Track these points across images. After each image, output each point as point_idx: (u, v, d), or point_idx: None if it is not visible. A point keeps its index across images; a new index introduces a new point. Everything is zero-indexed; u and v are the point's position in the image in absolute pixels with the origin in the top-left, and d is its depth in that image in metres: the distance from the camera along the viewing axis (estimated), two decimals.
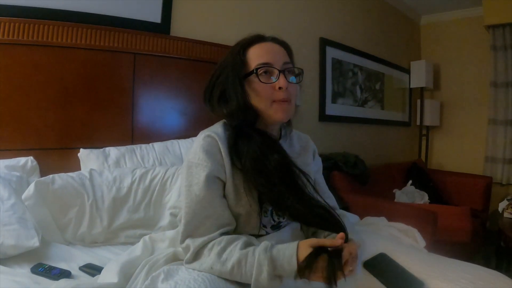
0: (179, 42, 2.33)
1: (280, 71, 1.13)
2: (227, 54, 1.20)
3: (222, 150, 1.10)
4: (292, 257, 0.93)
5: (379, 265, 1.22)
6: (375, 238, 1.44)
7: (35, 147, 1.84)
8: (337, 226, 1.10)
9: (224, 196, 1.12)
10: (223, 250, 1.00)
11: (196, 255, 1.03)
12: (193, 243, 1.04)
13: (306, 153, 1.36)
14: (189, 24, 2.47)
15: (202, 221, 1.05)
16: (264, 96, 1.12)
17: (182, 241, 1.07)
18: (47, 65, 1.86)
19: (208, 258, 1.00)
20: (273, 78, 1.12)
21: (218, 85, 1.18)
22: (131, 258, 1.19)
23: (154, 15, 2.28)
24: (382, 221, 1.78)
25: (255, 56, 1.14)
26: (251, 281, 0.95)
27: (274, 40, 1.21)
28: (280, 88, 1.11)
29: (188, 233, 1.06)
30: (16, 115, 1.79)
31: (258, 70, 1.12)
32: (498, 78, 4.34)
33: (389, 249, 1.31)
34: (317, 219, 1.12)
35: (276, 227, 1.22)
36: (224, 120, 1.22)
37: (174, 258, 1.10)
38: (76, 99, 1.95)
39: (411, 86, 4.86)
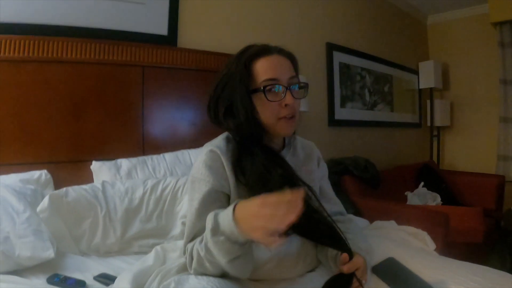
0: (186, 53, 2.36)
1: (286, 88, 1.13)
2: (230, 64, 1.19)
3: (225, 164, 1.11)
4: (231, 207, 0.91)
5: (388, 270, 1.23)
6: (384, 242, 1.45)
7: (48, 161, 1.88)
8: (340, 244, 1.11)
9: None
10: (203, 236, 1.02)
11: (192, 255, 1.05)
12: (190, 245, 1.07)
13: (310, 160, 1.37)
14: (195, 35, 2.50)
15: (201, 230, 1.07)
16: (271, 113, 1.13)
17: (185, 252, 1.11)
18: (58, 81, 1.91)
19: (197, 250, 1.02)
20: (280, 94, 1.12)
21: (224, 97, 1.17)
22: (143, 268, 1.22)
23: (161, 28, 2.31)
24: (391, 224, 1.79)
25: (262, 70, 1.14)
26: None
27: (280, 52, 1.19)
28: (286, 105, 1.13)
29: (189, 242, 1.10)
30: (28, 130, 1.83)
31: (266, 87, 1.12)
32: (508, 75, 4.31)
33: (398, 253, 1.33)
34: (320, 236, 1.13)
35: (284, 235, 1.23)
36: (226, 132, 1.23)
37: (186, 268, 1.12)
38: (87, 113, 1.99)
39: (420, 87, 4.84)
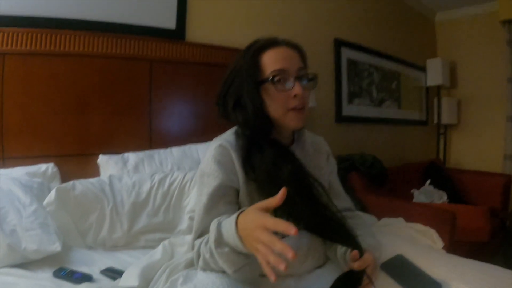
0: (194, 48, 2.36)
1: (295, 78, 1.13)
2: (239, 58, 1.19)
3: (234, 159, 1.11)
4: (233, 219, 0.87)
5: (397, 267, 1.23)
6: (393, 239, 1.44)
7: (55, 154, 1.88)
8: (350, 241, 1.10)
9: (237, 203, 1.13)
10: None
11: (199, 253, 1.04)
12: (197, 242, 1.06)
13: (319, 155, 1.36)
14: (203, 29, 2.49)
15: (210, 225, 1.06)
16: (280, 104, 1.12)
17: (193, 247, 1.10)
18: (65, 74, 1.91)
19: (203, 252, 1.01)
20: (289, 84, 1.12)
21: (233, 91, 1.17)
22: (151, 262, 1.22)
23: (169, 22, 2.30)
24: (399, 222, 1.79)
25: (270, 61, 1.13)
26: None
27: (288, 44, 1.19)
28: (295, 95, 1.12)
29: (197, 238, 1.09)
30: (36, 123, 1.83)
31: (275, 77, 1.11)
32: None
33: (406, 251, 1.32)
34: (331, 233, 1.12)
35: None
36: (236, 126, 1.22)
37: (194, 263, 1.12)
38: (94, 106, 1.99)
39: (427, 85, 4.79)
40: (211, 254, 0.95)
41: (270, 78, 1.11)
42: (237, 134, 1.19)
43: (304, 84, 1.15)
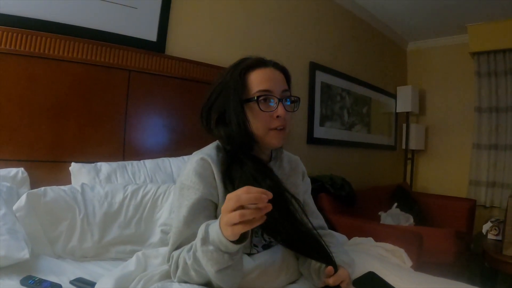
0: (173, 62, 2.36)
1: (279, 100, 1.16)
2: (226, 74, 1.21)
3: (215, 173, 1.12)
4: (219, 219, 0.90)
5: (369, 283, 1.25)
6: (364, 257, 1.47)
7: (26, 159, 1.83)
8: (325, 257, 1.12)
9: (216, 217, 1.13)
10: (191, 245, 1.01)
11: (178, 263, 1.04)
12: (176, 253, 1.06)
13: (295, 174, 1.39)
14: (184, 44, 2.50)
15: (188, 238, 1.07)
16: (262, 123, 1.15)
17: (169, 259, 1.09)
18: (42, 77, 1.86)
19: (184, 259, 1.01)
20: (272, 104, 1.15)
21: (217, 106, 1.19)
22: (125, 273, 1.19)
23: (150, 34, 2.30)
24: (369, 241, 1.81)
25: (257, 81, 1.16)
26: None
27: (275, 65, 1.23)
28: (278, 116, 1.15)
29: (174, 250, 1.09)
30: (8, 125, 1.78)
31: (260, 97, 1.14)
32: (482, 103, 4.49)
33: (377, 268, 1.34)
34: (307, 248, 1.14)
35: (267, 246, 1.24)
36: (217, 141, 1.24)
37: (169, 275, 1.11)
38: (69, 113, 1.95)
39: (397, 111, 4.96)
40: (195, 258, 0.95)
41: (255, 97, 1.14)
42: (218, 148, 1.20)
43: (287, 105, 1.19)
